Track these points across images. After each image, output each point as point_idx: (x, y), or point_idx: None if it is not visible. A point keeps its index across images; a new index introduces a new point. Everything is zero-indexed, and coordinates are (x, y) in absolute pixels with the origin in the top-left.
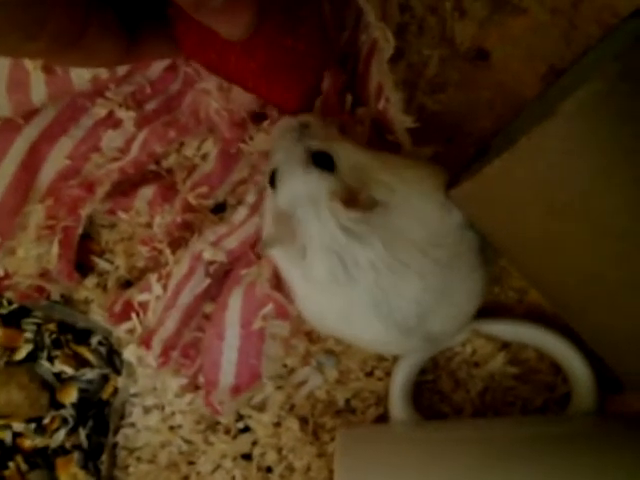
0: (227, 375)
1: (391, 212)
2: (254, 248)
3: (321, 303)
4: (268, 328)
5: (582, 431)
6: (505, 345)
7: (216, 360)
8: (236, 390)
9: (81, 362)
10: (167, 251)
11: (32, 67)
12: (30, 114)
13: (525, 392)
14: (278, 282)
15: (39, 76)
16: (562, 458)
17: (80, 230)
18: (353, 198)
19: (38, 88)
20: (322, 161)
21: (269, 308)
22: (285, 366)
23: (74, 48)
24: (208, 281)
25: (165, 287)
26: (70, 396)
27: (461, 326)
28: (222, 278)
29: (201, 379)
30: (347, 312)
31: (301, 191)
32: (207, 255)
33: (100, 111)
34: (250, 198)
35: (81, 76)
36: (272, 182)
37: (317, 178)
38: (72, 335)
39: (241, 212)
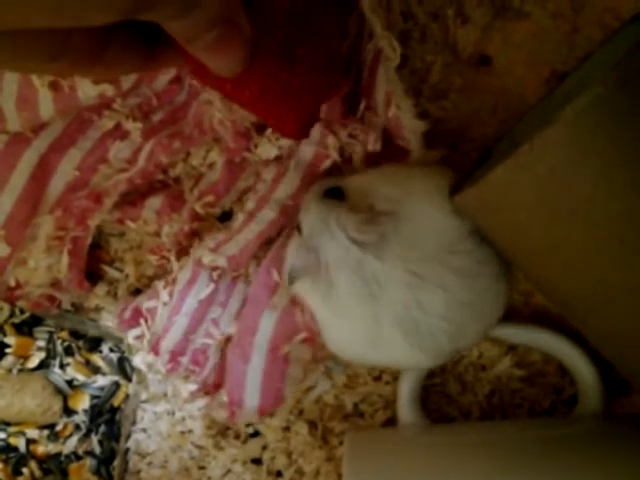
0: (252, 397)
1: (401, 223)
2: (255, 257)
3: (347, 330)
4: (292, 352)
5: (589, 433)
6: (512, 348)
7: (240, 382)
8: (261, 412)
9: (93, 369)
10: (174, 259)
11: (40, 84)
12: (39, 128)
13: (532, 394)
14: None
15: (47, 93)
16: (570, 460)
17: (89, 240)
18: (355, 210)
19: (46, 105)
20: (334, 193)
21: (302, 336)
22: None
23: (95, 64)
24: (212, 287)
25: (171, 294)
26: (82, 403)
27: (483, 336)
28: (230, 284)
29: (224, 398)
30: (374, 337)
31: (316, 220)
32: (206, 260)
33: (107, 123)
34: (249, 205)
35: (87, 93)
36: (299, 229)
37: (328, 206)
38: (83, 343)
39: (239, 218)
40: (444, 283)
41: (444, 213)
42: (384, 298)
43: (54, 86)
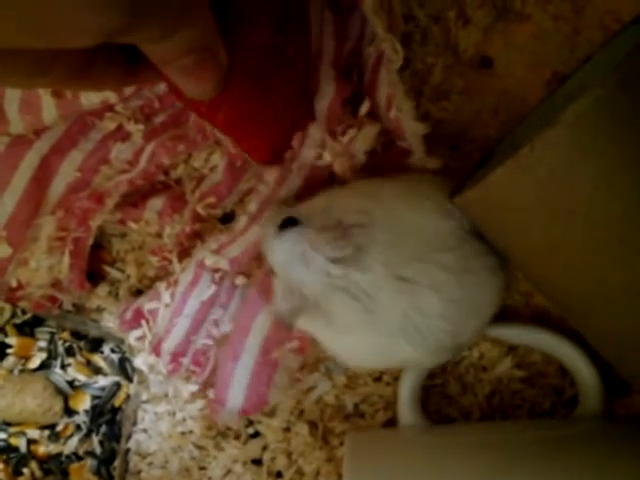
0: (236, 397)
1: (377, 231)
2: (256, 259)
3: (353, 347)
4: (282, 359)
5: (590, 433)
6: (512, 349)
7: (227, 380)
8: (243, 413)
9: (94, 370)
10: (176, 260)
11: (43, 92)
12: (41, 130)
13: (532, 395)
14: None
15: (50, 100)
16: (570, 460)
17: (90, 241)
18: (331, 233)
19: (49, 110)
20: (289, 223)
21: (294, 344)
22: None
23: (81, 79)
24: (214, 288)
25: (173, 295)
26: (83, 403)
27: (484, 329)
28: (231, 285)
29: (211, 395)
30: (379, 346)
31: (284, 257)
32: (208, 262)
33: (109, 124)
34: (251, 207)
35: (90, 100)
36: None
37: (289, 236)
38: (85, 343)
39: (242, 221)
40: (436, 283)
41: (421, 214)
42: (379, 309)
43: (57, 94)
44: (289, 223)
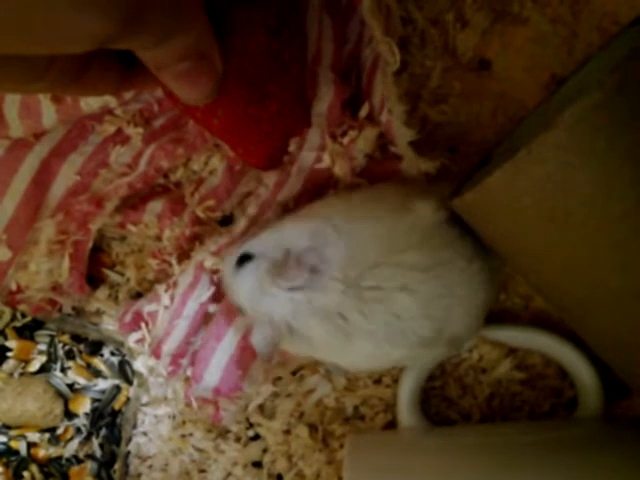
0: (212, 375)
1: (330, 251)
2: None
3: (340, 358)
4: None
5: (589, 435)
6: (512, 351)
7: (207, 358)
8: (216, 392)
9: (94, 373)
10: (175, 263)
11: (42, 97)
12: (41, 133)
13: (532, 397)
14: None
15: (49, 105)
16: (569, 462)
17: (90, 244)
18: (283, 265)
19: (49, 115)
20: (245, 259)
21: None
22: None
23: (77, 84)
24: (213, 289)
25: (172, 297)
26: (83, 406)
27: (480, 319)
28: None
29: (189, 372)
30: (366, 355)
31: (247, 293)
32: (208, 264)
33: (108, 128)
34: (251, 210)
35: (90, 105)
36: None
37: (247, 272)
38: (84, 346)
39: (241, 223)
40: (405, 284)
41: (375, 219)
42: (357, 326)
43: (56, 98)
44: (245, 259)
